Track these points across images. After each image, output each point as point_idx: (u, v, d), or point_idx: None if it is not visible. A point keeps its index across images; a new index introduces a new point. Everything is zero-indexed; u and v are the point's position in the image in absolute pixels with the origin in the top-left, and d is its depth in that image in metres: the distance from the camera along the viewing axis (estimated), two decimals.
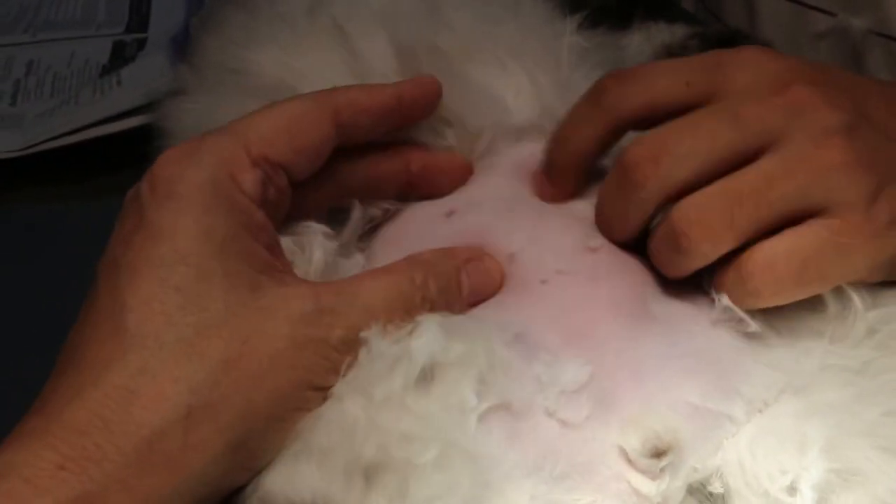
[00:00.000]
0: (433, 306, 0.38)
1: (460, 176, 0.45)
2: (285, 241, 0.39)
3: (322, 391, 0.36)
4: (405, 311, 0.37)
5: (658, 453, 0.35)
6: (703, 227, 0.37)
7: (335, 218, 0.43)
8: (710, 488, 0.36)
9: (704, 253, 0.37)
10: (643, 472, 0.35)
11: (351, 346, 0.36)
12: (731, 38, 0.64)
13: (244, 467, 0.35)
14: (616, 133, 0.41)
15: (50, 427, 0.33)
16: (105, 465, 0.32)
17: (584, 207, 0.43)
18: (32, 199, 0.64)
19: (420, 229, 0.43)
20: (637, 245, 0.41)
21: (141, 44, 0.78)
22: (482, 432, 0.35)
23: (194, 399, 0.33)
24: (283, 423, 0.35)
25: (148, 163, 0.51)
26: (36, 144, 0.65)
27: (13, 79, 0.75)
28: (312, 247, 0.40)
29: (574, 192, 0.43)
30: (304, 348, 0.35)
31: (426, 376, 0.35)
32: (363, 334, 0.36)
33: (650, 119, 0.40)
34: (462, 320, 0.38)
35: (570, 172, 0.42)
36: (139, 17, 0.82)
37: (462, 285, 0.39)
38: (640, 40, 0.64)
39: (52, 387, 0.34)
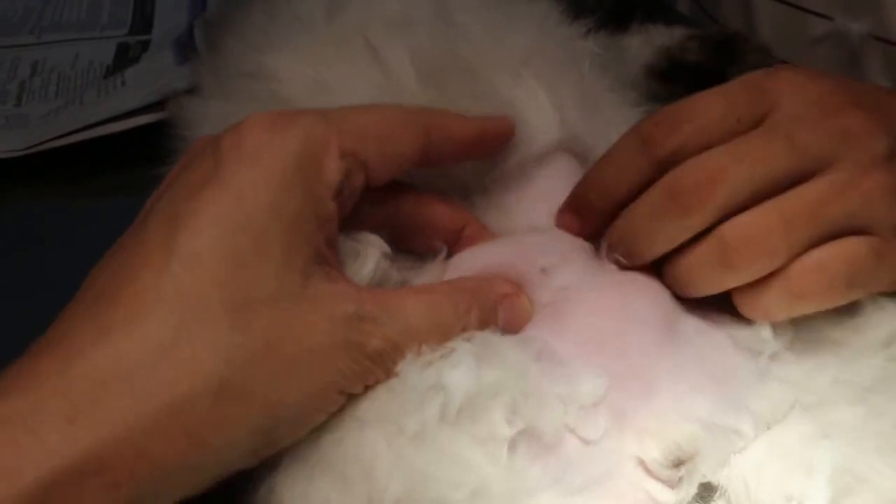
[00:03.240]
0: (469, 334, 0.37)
1: None
2: (345, 241, 0.38)
3: (346, 396, 0.35)
4: (442, 336, 0.36)
5: (679, 463, 0.35)
6: (760, 244, 0.37)
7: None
8: None
9: (756, 270, 0.37)
10: (663, 481, 0.35)
11: (384, 360, 0.35)
12: (729, 41, 0.64)
13: (256, 455, 0.34)
14: (660, 176, 0.40)
15: (66, 372, 0.30)
16: (120, 425, 0.30)
17: None
18: (37, 198, 0.64)
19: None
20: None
21: (145, 45, 0.79)
22: (512, 461, 0.34)
23: (229, 373, 0.31)
24: (304, 419, 0.34)
25: (154, 163, 0.52)
26: (40, 143, 0.65)
27: (18, 80, 0.76)
28: (367, 257, 0.39)
29: (603, 231, 0.41)
30: (341, 350, 0.34)
31: (460, 408, 0.35)
32: (397, 368, 0.35)
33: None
34: (493, 344, 0.37)
35: (605, 215, 0.41)
36: (143, 19, 0.82)
37: (498, 318, 0.38)
38: (640, 42, 0.64)
39: (70, 321, 0.32)
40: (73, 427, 0.29)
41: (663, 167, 0.39)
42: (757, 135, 0.38)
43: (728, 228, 0.37)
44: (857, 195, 0.38)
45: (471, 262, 0.41)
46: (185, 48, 0.72)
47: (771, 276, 0.37)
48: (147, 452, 0.30)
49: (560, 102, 0.45)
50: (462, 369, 0.35)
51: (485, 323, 0.38)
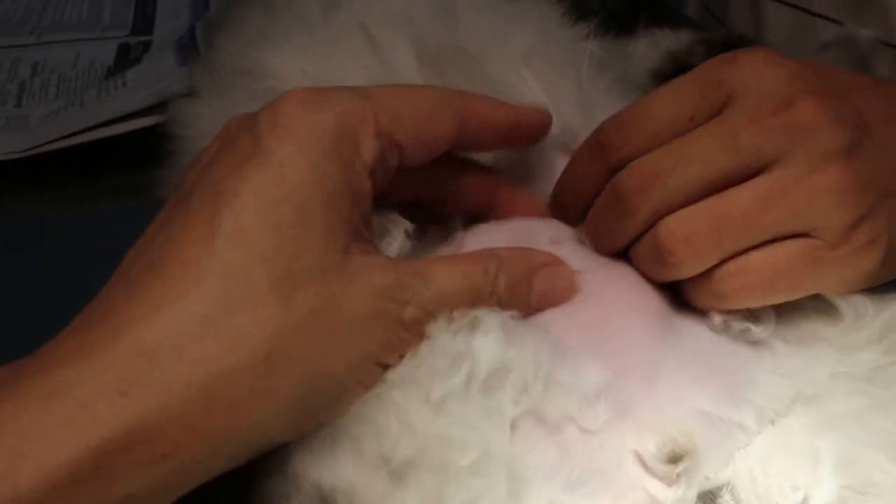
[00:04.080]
0: (500, 302, 0.37)
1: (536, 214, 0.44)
2: (374, 218, 0.38)
3: (382, 367, 0.35)
4: (473, 301, 0.36)
5: (675, 458, 0.35)
6: (689, 246, 0.37)
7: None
8: (721, 501, 0.36)
9: (688, 270, 0.38)
10: (660, 477, 0.35)
11: (419, 328, 0.35)
12: (736, 44, 0.64)
13: (297, 429, 0.34)
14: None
15: (115, 345, 0.30)
16: (168, 396, 0.30)
17: None
18: (37, 200, 0.64)
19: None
20: None
21: (146, 46, 0.79)
22: (516, 439, 0.35)
23: (275, 345, 0.32)
24: (344, 393, 0.34)
25: (155, 165, 0.52)
26: (41, 145, 0.65)
27: (18, 80, 0.75)
28: (392, 236, 0.39)
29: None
30: (379, 321, 0.34)
31: (483, 379, 0.35)
32: (430, 327, 0.35)
33: None
34: (517, 325, 0.37)
35: (578, 214, 0.42)
36: (144, 20, 0.82)
37: (532, 289, 0.38)
38: (646, 46, 0.64)
39: (120, 295, 0.32)
40: (122, 399, 0.30)
41: (618, 171, 0.39)
42: (699, 133, 0.38)
43: (662, 226, 0.38)
44: (801, 194, 0.36)
45: (479, 240, 0.41)
46: (187, 49, 0.72)
47: (701, 273, 0.38)
48: (193, 424, 0.31)
49: (556, 100, 0.45)
50: (492, 339, 0.36)
51: (516, 292, 0.38)
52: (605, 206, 0.40)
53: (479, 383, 0.35)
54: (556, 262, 0.39)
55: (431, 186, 0.42)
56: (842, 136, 0.37)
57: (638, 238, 0.39)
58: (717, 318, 0.39)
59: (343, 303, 0.33)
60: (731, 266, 0.37)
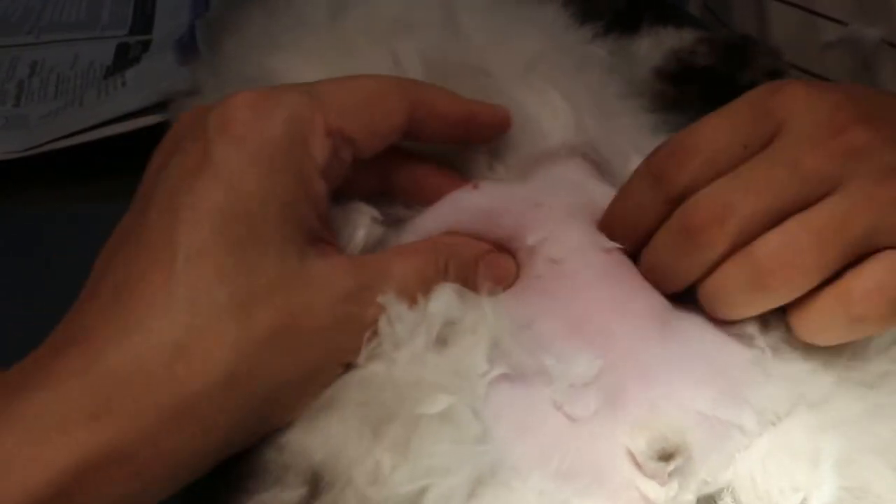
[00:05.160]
0: None
1: None
2: (333, 212, 0.39)
3: (343, 367, 0.36)
4: (426, 291, 0.37)
5: (665, 456, 0.35)
6: (794, 265, 0.36)
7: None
8: (720, 503, 0.36)
9: (790, 292, 0.37)
10: (651, 476, 0.35)
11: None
12: (740, 44, 0.64)
13: (259, 433, 0.36)
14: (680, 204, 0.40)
15: (91, 370, 0.32)
16: (140, 420, 0.32)
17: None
18: (37, 200, 0.64)
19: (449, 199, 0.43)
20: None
21: (145, 45, 0.78)
22: (491, 401, 0.35)
23: (238, 365, 0.33)
24: (304, 396, 0.35)
25: None
26: (40, 145, 0.64)
27: (17, 80, 0.75)
28: (357, 226, 0.40)
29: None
30: (341, 326, 0.35)
31: (442, 339, 0.36)
32: (381, 299, 0.36)
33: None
34: (472, 299, 0.38)
35: (632, 246, 0.41)
36: (144, 19, 0.82)
37: (479, 276, 0.39)
38: (649, 45, 0.64)
39: (92, 319, 0.34)
40: (97, 423, 0.31)
41: (677, 201, 0.39)
42: (760, 163, 0.38)
43: (760, 250, 0.37)
44: (874, 208, 0.37)
45: (457, 207, 0.42)
46: (187, 49, 0.71)
47: (818, 298, 0.37)
48: (165, 444, 0.32)
49: (576, 106, 0.45)
50: (443, 299, 0.37)
51: (464, 279, 0.39)
52: (670, 243, 0.39)
53: (440, 340, 0.36)
54: (496, 250, 0.41)
55: (384, 180, 0.42)
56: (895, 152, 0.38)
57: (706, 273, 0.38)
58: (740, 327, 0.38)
59: (303, 316, 0.34)
60: (867, 283, 0.36)
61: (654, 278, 0.40)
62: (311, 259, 0.35)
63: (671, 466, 0.35)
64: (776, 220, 0.37)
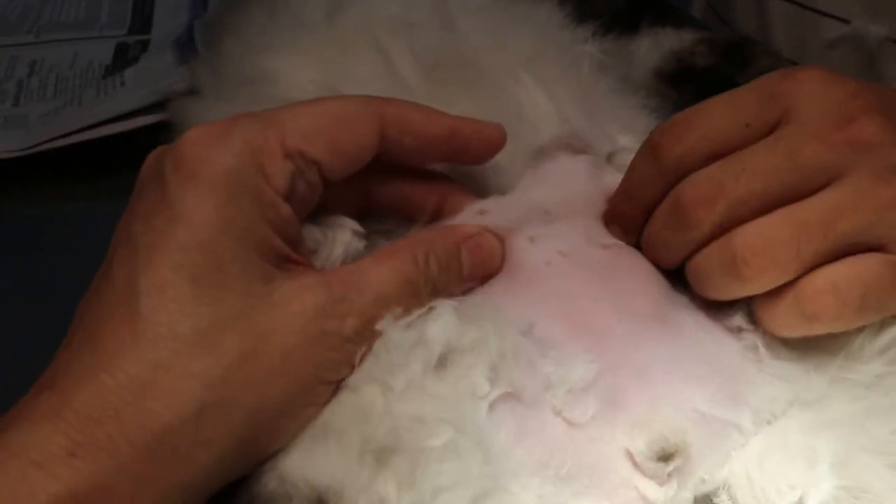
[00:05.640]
0: (436, 286, 0.38)
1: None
2: (311, 230, 0.39)
3: (333, 385, 0.36)
4: (412, 294, 0.37)
5: (665, 456, 0.35)
6: (769, 257, 0.36)
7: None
8: (717, 501, 0.36)
9: (765, 283, 0.37)
10: (651, 476, 0.35)
11: (364, 336, 0.36)
12: (739, 44, 0.64)
13: (250, 461, 0.35)
14: (679, 180, 0.39)
15: (62, 411, 0.32)
16: (116, 456, 0.32)
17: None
18: (35, 199, 0.63)
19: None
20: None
21: (144, 45, 0.78)
22: (492, 421, 0.35)
23: (207, 395, 0.33)
24: (292, 418, 0.35)
25: None
26: (39, 144, 0.64)
27: (16, 79, 0.75)
28: (335, 241, 0.39)
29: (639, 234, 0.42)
30: (317, 343, 0.35)
31: (442, 362, 0.35)
32: (379, 326, 0.36)
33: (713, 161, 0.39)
34: (476, 306, 0.38)
35: (638, 221, 0.41)
36: (142, 19, 0.82)
37: (462, 263, 0.39)
38: (649, 46, 0.64)
39: (64, 363, 0.34)
40: (74, 459, 0.32)
41: (674, 175, 0.39)
42: (760, 147, 0.37)
43: (738, 236, 0.37)
44: (870, 207, 0.36)
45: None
46: (186, 48, 0.71)
47: (784, 291, 0.37)
48: (142, 477, 0.33)
49: (559, 101, 0.45)
50: (442, 322, 0.36)
51: (448, 270, 0.38)
52: (665, 219, 0.39)
53: (438, 366, 0.35)
54: (480, 232, 0.40)
55: (368, 196, 0.41)
56: None
57: (696, 251, 0.38)
58: (751, 338, 0.38)
59: (272, 337, 0.34)
60: (818, 281, 0.36)
61: (652, 254, 0.40)
62: (278, 281, 0.35)
63: (670, 467, 0.35)
64: (768, 207, 0.37)
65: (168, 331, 0.33)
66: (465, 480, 0.34)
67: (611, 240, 0.41)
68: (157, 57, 0.74)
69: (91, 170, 0.64)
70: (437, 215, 0.42)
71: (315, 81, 0.46)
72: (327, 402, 0.36)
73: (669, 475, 0.35)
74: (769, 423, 0.37)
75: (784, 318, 0.37)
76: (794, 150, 0.37)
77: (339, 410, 0.35)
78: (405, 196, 0.42)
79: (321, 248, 0.39)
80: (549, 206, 0.43)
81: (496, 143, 0.41)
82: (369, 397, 0.35)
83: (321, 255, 0.39)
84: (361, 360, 0.36)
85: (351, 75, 0.46)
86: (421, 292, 0.37)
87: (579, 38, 0.50)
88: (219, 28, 0.57)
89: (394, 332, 0.36)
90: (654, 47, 0.64)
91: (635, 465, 0.35)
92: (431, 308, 0.37)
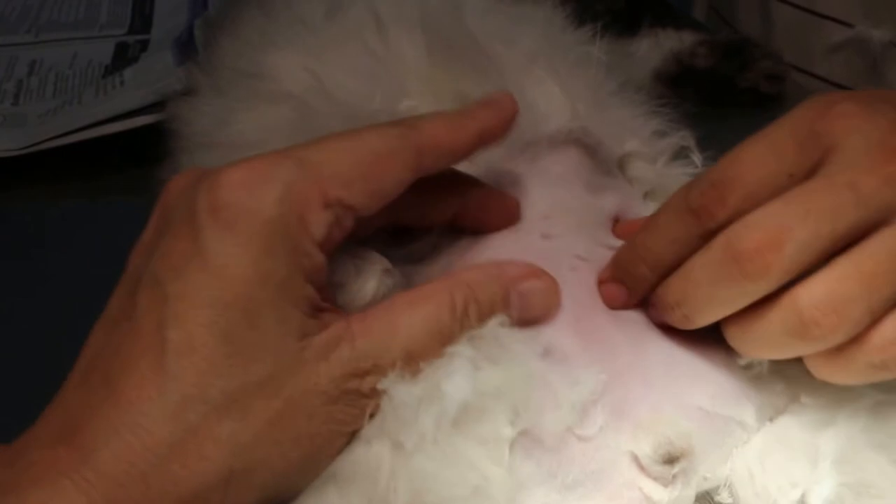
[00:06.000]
0: (471, 336, 0.36)
1: (510, 217, 0.42)
2: (343, 262, 0.37)
3: (349, 435, 0.35)
4: (442, 345, 0.35)
5: (671, 459, 0.35)
6: (840, 316, 0.34)
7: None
8: (718, 498, 0.36)
9: (834, 340, 0.34)
10: (656, 478, 0.35)
11: (378, 392, 0.34)
12: (739, 46, 0.64)
13: None
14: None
15: (84, 471, 0.31)
16: None
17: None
18: (35, 198, 0.63)
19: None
20: None
21: (144, 45, 0.78)
22: (514, 460, 0.34)
23: (236, 462, 0.32)
24: (312, 473, 0.34)
25: (153, 163, 0.51)
26: (38, 143, 0.64)
27: (16, 78, 0.75)
28: (368, 278, 0.38)
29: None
30: (339, 401, 0.34)
31: (459, 416, 0.34)
32: (380, 385, 0.34)
33: None
34: (492, 344, 0.36)
35: (653, 284, 0.38)
36: (142, 19, 0.82)
37: (511, 308, 0.36)
38: (649, 47, 0.64)
39: (80, 408, 0.33)
40: None
41: (715, 234, 0.36)
42: (817, 186, 0.35)
43: (804, 297, 0.34)
44: None
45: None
46: (185, 48, 0.71)
47: (848, 345, 0.34)
48: None
49: (572, 94, 0.45)
50: (459, 377, 0.34)
51: (487, 318, 0.36)
52: (711, 271, 0.35)
53: (461, 415, 0.34)
54: (535, 272, 0.38)
55: (397, 214, 0.39)
56: None
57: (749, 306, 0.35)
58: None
59: (299, 400, 0.33)
60: (888, 332, 0.34)
61: (683, 312, 0.37)
62: (311, 335, 0.34)
63: (675, 469, 0.35)
64: (833, 248, 0.34)
65: (198, 392, 0.32)
66: None
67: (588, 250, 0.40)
68: (157, 57, 0.73)
69: (90, 169, 0.64)
70: (478, 224, 0.41)
71: (312, 73, 0.45)
72: (341, 450, 0.35)
73: (674, 476, 0.35)
74: (771, 420, 0.37)
75: (849, 370, 0.35)
76: (854, 185, 0.34)
77: (350, 462, 0.35)
78: (432, 203, 0.41)
79: (350, 282, 0.37)
80: (550, 207, 0.43)
81: (513, 112, 0.39)
82: (379, 454, 0.34)
83: (349, 290, 0.37)
84: (373, 411, 0.34)
85: (347, 71, 0.45)
86: (454, 341, 0.35)
87: (582, 38, 0.50)
88: (218, 28, 0.57)
89: (398, 392, 0.34)
90: (654, 48, 0.64)
91: (640, 467, 0.35)
92: (447, 357, 0.35)
